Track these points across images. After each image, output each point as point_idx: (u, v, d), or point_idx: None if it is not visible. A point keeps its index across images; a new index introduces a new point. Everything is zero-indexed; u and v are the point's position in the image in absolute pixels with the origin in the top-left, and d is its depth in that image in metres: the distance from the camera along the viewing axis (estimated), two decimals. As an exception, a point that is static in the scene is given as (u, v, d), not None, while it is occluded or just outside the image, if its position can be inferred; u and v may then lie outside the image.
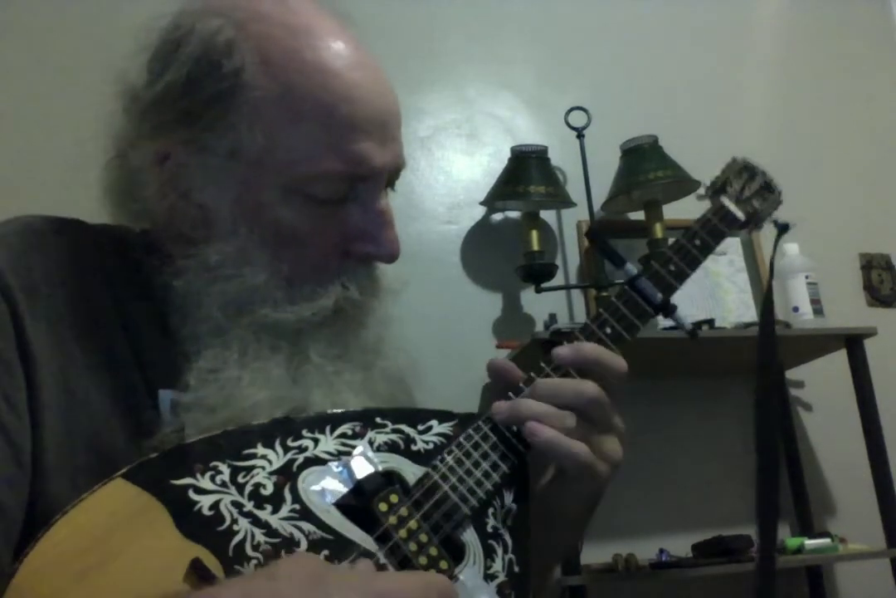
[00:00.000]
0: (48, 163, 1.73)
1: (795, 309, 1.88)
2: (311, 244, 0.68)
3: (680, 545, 1.71)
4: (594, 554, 1.67)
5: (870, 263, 2.21)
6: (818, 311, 1.88)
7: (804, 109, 2.31)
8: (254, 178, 0.67)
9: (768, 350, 0.87)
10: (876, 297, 2.19)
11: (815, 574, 1.89)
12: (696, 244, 0.80)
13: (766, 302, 0.90)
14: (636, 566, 1.61)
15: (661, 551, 1.67)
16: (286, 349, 0.68)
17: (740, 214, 0.85)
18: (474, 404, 1.87)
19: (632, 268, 0.77)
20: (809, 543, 1.67)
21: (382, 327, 0.74)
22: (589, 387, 0.68)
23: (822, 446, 2.03)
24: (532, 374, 0.71)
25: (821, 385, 2.04)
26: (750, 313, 2.02)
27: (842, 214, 2.21)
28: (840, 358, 1.81)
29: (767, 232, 0.92)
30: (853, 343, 1.77)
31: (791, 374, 2.04)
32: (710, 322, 1.77)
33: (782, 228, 0.89)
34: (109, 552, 0.52)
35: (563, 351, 0.70)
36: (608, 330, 0.74)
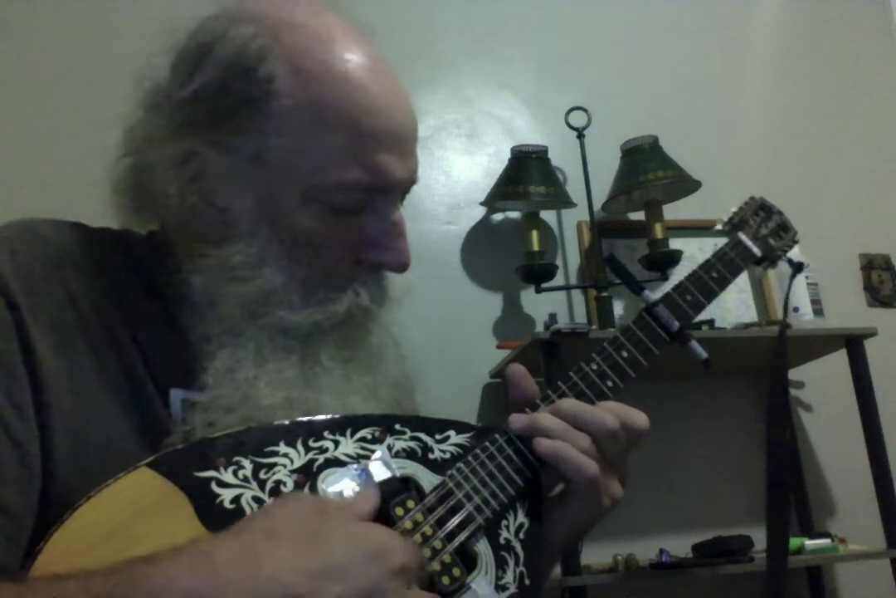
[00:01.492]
0: (48, 163, 1.73)
1: (796, 309, 1.88)
2: (326, 251, 0.69)
3: (680, 545, 1.71)
4: (594, 554, 1.67)
5: (870, 264, 2.21)
6: (818, 311, 1.88)
7: (804, 109, 2.31)
8: (276, 183, 0.67)
9: (781, 374, 0.89)
10: (876, 297, 2.19)
11: (815, 575, 1.89)
12: (713, 276, 0.82)
13: (780, 339, 0.91)
14: (636, 566, 1.61)
15: (661, 551, 1.67)
16: (299, 351, 0.68)
17: (757, 251, 0.88)
18: (474, 404, 1.88)
19: (650, 295, 0.79)
20: (809, 543, 1.67)
21: (386, 334, 0.75)
22: (610, 418, 0.69)
23: (822, 446, 2.03)
24: (549, 392, 0.73)
25: (821, 385, 2.04)
26: (750, 314, 2.02)
27: (842, 214, 2.21)
28: (840, 358, 1.81)
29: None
30: (853, 343, 1.77)
31: (791, 374, 2.04)
32: (711, 322, 1.78)
33: (797, 268, 0.93)
34: (131, 538, 0.53)
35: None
36: (625, 354, 0.75)
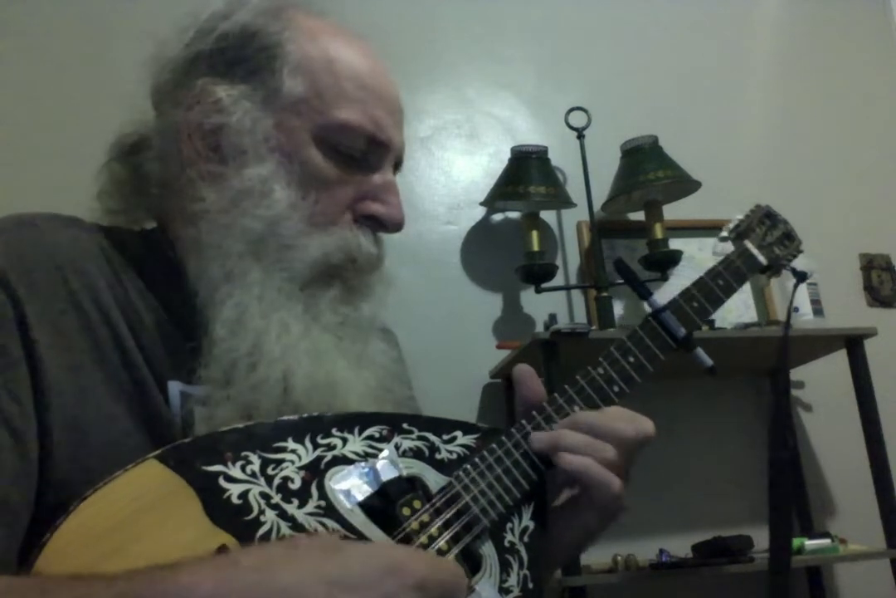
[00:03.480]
0: (48, 163, 1.73)
1: (796, 309, 1.88)
2: (331, 193, 0.72)
3: (680, 545, 1.72)
4: (594, 554, 1.67)
5: (870, 264, 2.21)
6: (818, 311, 1.88)
7: (804, 109, 2.31)
8: (288, 121, 0.71)
9: (783, 377, 0.88)
10: (876, 297, 2.18)
11: (815, 575, 1.89)
12: (720, 284, 0.82)
13: (783, 346, 0.90)
14: (636, 566, 1.61)
15: (661, 551, 1.67)
16: (301, 301, 0.69)
17: (762, 259, 0.87)
18: (474, 404, 1.88)
19: (657, 301, 0.78)
20: (809, 543, 1.67)
21: (378, 309, 0.76)
22: (628, 428, 0.69)
23: (822, 447, 2.03)
24: (556, 395, 0.72)
25: (821, 385, 2.04)
26: (750, 314, 2.02)
27: (842, 214, 2.21)
28: (840, 358, 1.81)
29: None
30: (853, 343, 1.77)
31: (791, 374, 2.04)
32: (711, 323, 1.78)
33: (800, 277, 0.92)
34: (138, 531, 0.53)
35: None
36: (631, 359, 0.75)
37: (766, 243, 0.89)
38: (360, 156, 0.73)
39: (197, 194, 0.70)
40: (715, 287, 0.81)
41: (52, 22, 1.86)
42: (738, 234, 0.89)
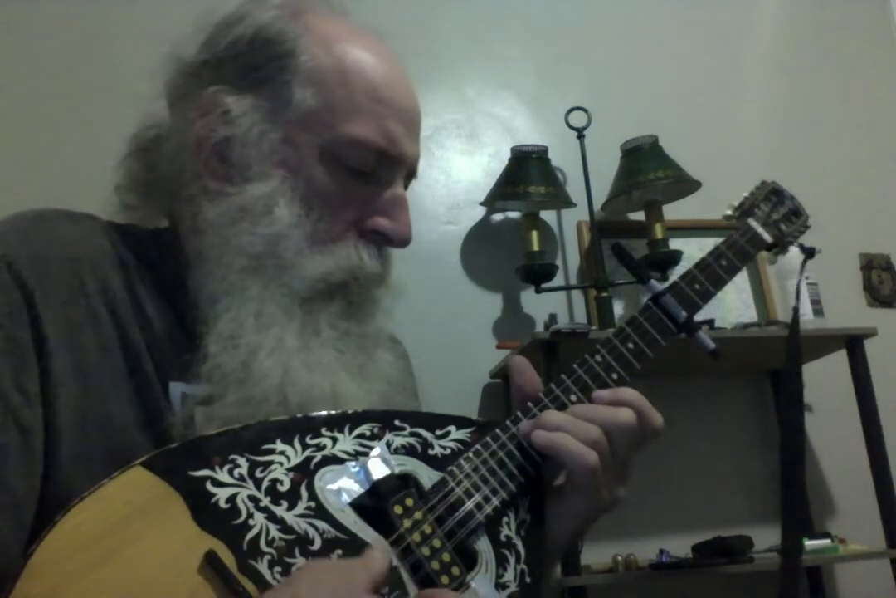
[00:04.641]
0: (48, 163, 1.73)
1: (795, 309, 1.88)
2: (335, 210, 0.71)
3: (680, 546, 1.71)
4: (594, 554, 1.67)
5: (870, 264, 2.21)
6: (818, 311, 1.87)
7: (804, 109, 2.31)
8: (295, 134, 0.70)
9: (794, 361, 0.87)
10: (876, 297, 2.18)
11: (815, 575, 1.89)
12: (722, 264, 0.80)
13: (792, 330, 0.89)
14: (636, 566, 1.61)
15: (661, 551, 1.67)
16: (300, 317, 0.69)
17: (767, 237, 0.85)
18: (474, 404, 1.87)
19: (656, 284, 0.76)
20: (809, 543, 1.67)
21: (384, 320, 0.75)
22: (623, 413, 0.68)
23: (822, 447, 2.03)
24: (553, 386, 0.71)
25: (821, 385, 2.03)
26: (749, 313, 2.02)
27: (842, 214, 2.20)
28: (840, 358, 1.81)
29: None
30: (853, 343, 1.77)
31: (791, 374, 2.03)
32: (710, 322, 1.78)
33: (809, 253, 0.90)
34: (125, 539, 0.53)
35: (602, 393, 0.70)
36: (630, 345, 0.73)
37: (771, 221, 0.86)
38: (370, 170, 0.72)
39: (200, 208, 0.70)
40: (718, 268, 0.79)
41: (52, 22, 1.86)
42: (743, 211, 0.86)
